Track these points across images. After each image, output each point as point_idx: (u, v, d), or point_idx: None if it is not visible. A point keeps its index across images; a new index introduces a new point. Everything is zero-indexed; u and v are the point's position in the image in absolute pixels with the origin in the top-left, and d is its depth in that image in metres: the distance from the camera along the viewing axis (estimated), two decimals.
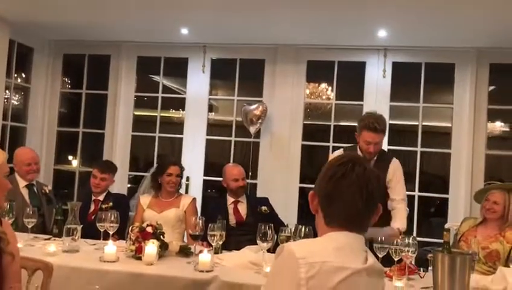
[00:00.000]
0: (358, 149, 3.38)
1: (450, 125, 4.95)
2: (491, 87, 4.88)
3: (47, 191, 3.97)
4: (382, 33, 4.52)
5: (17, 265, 1.85)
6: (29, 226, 3.11)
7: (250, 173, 5.10)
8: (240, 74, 5.32)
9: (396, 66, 4.98)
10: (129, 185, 5.51)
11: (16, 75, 5.34)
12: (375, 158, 3.35)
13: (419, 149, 4.93)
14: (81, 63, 5.63)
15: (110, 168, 3.95)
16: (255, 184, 5.19)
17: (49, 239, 3.23)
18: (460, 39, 4.57)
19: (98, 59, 5.70)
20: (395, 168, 3.37)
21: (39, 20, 4.80)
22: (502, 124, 6.17)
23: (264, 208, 3.77)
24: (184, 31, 4.85)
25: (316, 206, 1.38)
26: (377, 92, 4.98)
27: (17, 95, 5.58)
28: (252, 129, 5.04)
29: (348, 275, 1.23)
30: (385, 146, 4.63)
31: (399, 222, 3.25)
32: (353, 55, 5.08)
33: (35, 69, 5.50)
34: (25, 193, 3.84)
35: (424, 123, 4.99)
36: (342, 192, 1.32)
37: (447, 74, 4.95)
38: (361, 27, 4.45)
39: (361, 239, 1.35)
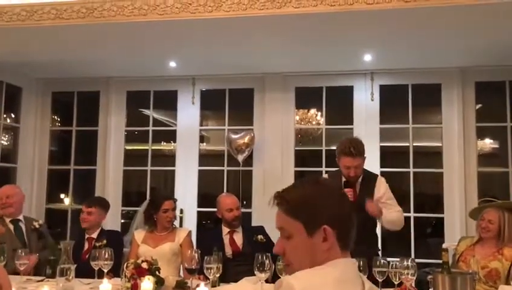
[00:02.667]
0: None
1: (440, 144, 4.98)
2: (478, 105, 4.94)
3: (37, 225, 3.91)
4: (368, 57, 4.59)
5: None
6: (22, 269, 3.04)
7: (244, 202, 5.07)
8: (229, 103, 5.35)
9: (383, 89, 5.04)
10: (123, 221, 5.44)
11: (5, 116, 5.32)
12: (361, 180, 3.40)
13: (411, 170, 4.94)
14: (70, 100, 5.63)
15: (96, 201, 3.88)
16: (250, 213, 5.15)
17: (42, 280, 3.15)
18: (444, 60, 4.65)
19: (87, 95, 5.71)
20: (381, 186, 3.40)
21: (26, 60, 4.82)
22: (491, 141, 6.22)
23: (260, 237, 3.72)
24: (172, 64, 4.89)
25: (331, 237, 1.31)
26: (366, 116, 5.02)
27: (6, 135, 5.55)
28: (240, 157, 5.03)
29: None
30: (377, 169, 4.66)
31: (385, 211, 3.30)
32: (340, 80, 5.14)
33: (24, 109, 5.49)
34: (11, 227, 3.80)
35: (414, 144, 5.02)
36: (348, 211, 1.37)
37: (434, 94, 5.01)
38: (347, 52, 4.52)
39: (356, 264, 1.37)
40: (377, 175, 3.57)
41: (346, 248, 1.35)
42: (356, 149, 3.30)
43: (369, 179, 3.44)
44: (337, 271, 1.29)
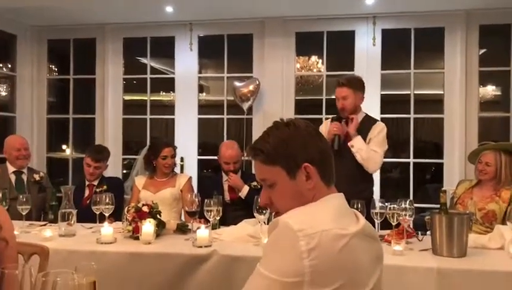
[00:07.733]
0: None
1: (442, 92, 4.92)
2: (482, 50, 4.84)
3: (37, 178, 3.93)
4: (370, 0, 4.45)
5: (12, 250, 1.82)
6: (24, 213, 3.08)
7: (245, 153, 5.08)
8: (228, 50, 5.24)
9: (385, 33, 4.90)
10: (124, 171, 5.46)
11: (0, 65, 5.24)
12: (359, 122, 3.35)
13: (412, 116, 4.91)
14: (67, 48, 5.52)
15: (103, 155, 3.90)
16: (250, 161, 5.17)
17: (44, 225, 3.21)
18: (449, 2, 4.51)
19: (83, 43, 5.59)
20: (376, 129, 3.33)
21: (20, 6, 4.69)
22: (494, 87, 6.15)
23: (254, 183, 3.74)
24: (169, 9, 4.76)
25: (314, 174, 1.31)
26: (368, 61, 4.92)
27: (4, 85, 5.49)
28: (245, 106, 4.99)
29: (348, 240, 1.20)
30: (377, 115, 4.63)
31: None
32: (342, 24, 5.00)
33: (20, 57, 5.39)
34: (12, 179, 3.82)
35: (416, 92, 4.95)
36: (325, 146, 1.37)
37: (437, 39, 4.90)
38: None
39: (344, 197, 1.37)
40: (377, 120, 3.49)
41: (331, 183, 1.35)
42: (344, 79, 3.35)
43: (368, 122, 3.38)
44: (331, 206, 1.29)
